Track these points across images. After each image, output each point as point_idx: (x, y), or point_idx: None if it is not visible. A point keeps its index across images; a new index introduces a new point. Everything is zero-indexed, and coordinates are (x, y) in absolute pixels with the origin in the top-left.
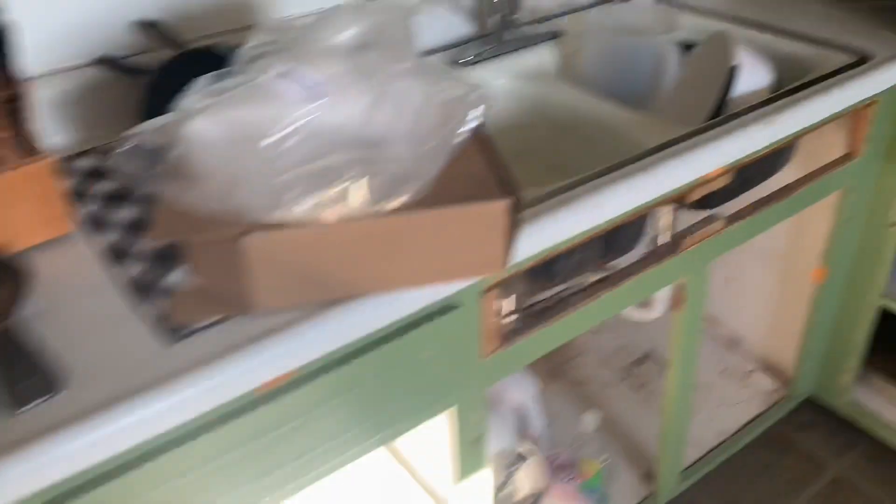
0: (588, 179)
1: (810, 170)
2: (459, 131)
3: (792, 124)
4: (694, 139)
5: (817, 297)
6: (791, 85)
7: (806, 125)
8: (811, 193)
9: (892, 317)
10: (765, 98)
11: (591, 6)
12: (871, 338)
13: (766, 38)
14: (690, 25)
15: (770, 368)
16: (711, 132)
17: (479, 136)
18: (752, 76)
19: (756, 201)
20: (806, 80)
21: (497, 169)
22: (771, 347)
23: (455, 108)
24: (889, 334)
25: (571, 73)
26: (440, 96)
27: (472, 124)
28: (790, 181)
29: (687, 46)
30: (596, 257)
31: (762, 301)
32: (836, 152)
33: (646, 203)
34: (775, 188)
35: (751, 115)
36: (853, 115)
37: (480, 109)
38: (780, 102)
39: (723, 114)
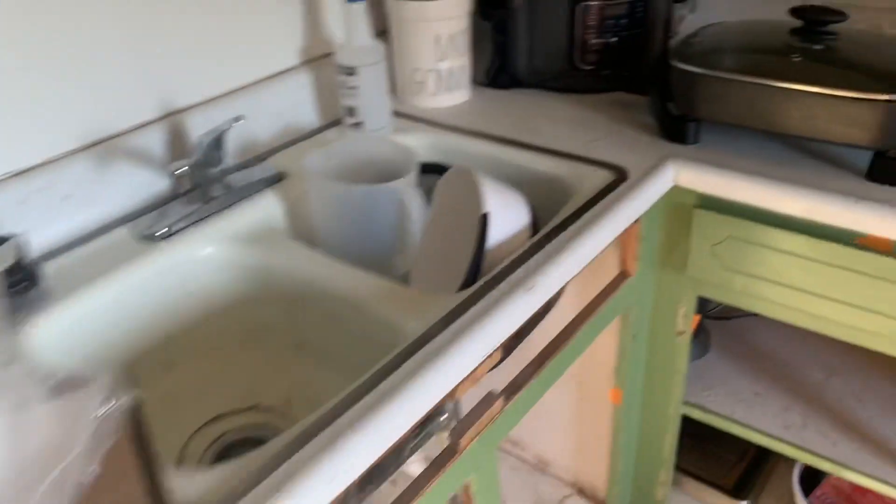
0: (325, 422)
1: (586, 301)
2: (87, 457)
3: (563, 274)
4: (457, 323)
5: (618, 416)
6: (552, 224)
7: (576, 271)
8: (593, 328)
9: (697, 421)
10: (527, 246)
11: (311, 135)
12: (680, 445)
13: (516, 155)
14: (432, 143)
15: (584, 491)
16: (479, 306)
17: (124, 443)
18: (509, 219)
19: (535, 359)
20: (568, 213)
21: (155, 493)
22: (581, 469)
23: (76, 421)
24: (696, 437)
25: (303, 226)
26: (47, 413)
27: (108, 441)
28: (568, 321)
29: (434, 168)
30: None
31: (565, 422)
32: (610, 274)
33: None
34: (553, 333)
35: (517, 273)
36: (621, 237)
37: (117, 414)
38: (545, 251)
39: (481, 270)
